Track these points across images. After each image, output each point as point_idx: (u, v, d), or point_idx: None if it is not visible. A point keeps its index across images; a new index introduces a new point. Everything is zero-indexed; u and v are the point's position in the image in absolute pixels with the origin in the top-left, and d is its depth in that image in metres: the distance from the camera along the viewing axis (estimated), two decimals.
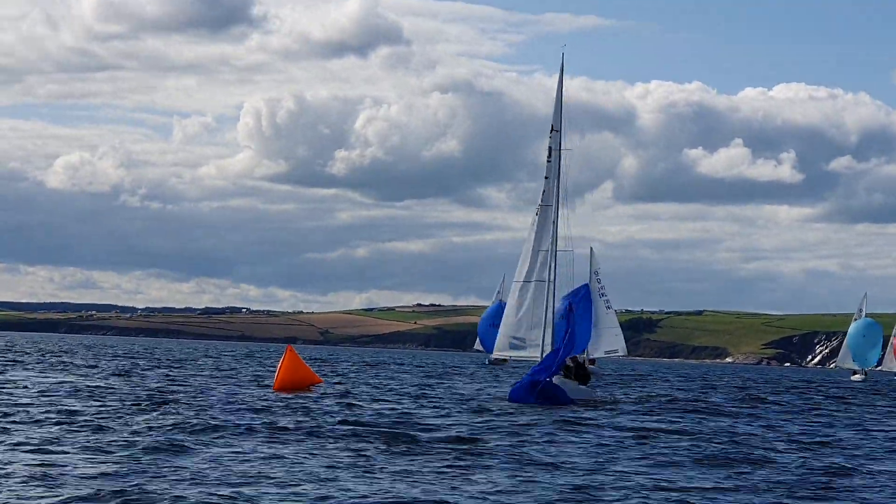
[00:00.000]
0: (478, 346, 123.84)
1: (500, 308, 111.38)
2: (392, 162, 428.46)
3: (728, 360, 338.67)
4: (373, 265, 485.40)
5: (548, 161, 49.14)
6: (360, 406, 39.02)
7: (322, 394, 43.76)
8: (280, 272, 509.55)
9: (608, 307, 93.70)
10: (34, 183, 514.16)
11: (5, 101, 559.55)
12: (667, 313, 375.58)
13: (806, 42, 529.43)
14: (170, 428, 27.79)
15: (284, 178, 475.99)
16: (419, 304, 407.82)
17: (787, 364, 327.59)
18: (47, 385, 44.80)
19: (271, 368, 63.46)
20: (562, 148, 48.92)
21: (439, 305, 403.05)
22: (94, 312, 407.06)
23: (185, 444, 24.63)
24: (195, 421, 29.54)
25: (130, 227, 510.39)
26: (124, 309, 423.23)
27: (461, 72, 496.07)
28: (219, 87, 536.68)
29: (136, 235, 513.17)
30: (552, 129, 48.77)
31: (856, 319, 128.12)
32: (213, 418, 30.44)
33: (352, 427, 30.42)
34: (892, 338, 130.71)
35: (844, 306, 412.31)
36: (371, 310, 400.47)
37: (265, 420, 30.97)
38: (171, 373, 59.24)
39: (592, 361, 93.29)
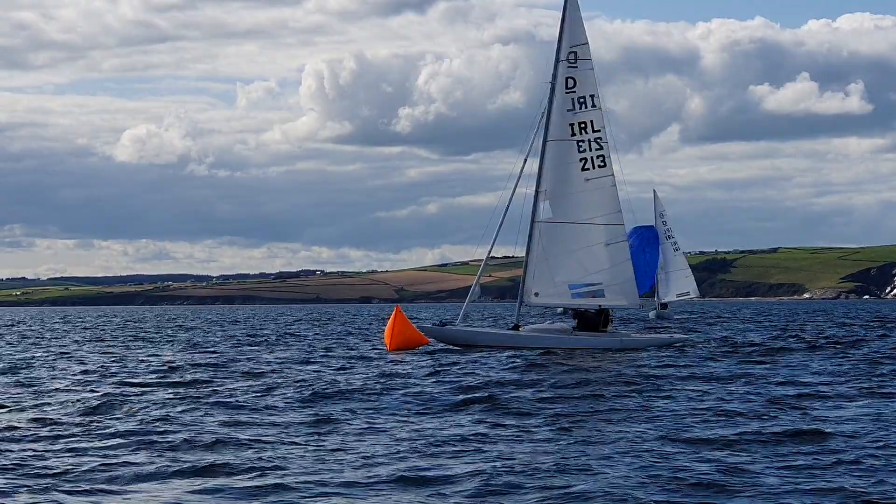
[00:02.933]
0: None
1: None
2: (456, 117, 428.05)
3: (806, 296, 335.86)
4: (443, 220, 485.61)
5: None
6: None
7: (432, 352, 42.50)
8: (351, 232, 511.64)
9: (676, 249, 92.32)
10: (102, 157, 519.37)
11: (70, 78, 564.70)
12: (741, 252, 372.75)
13: None
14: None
15: (349, 139, 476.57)
16: (492, 257, 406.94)
17: (866, 297, 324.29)
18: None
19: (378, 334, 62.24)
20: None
21: (512, 257, 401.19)
22: (169, 283, 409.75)
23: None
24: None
25: (199, 195, 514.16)
26: (199, 278, 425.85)
27: (521, 22, 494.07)
28: (280, 50, 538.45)
29: (205, 204, 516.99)
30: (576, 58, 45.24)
31: None
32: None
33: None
34: None
35: None
36: (444, 265, 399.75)
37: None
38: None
39: (665, 306, 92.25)
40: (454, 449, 18.64)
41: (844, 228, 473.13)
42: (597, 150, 45.01)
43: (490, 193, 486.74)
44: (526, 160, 45.78)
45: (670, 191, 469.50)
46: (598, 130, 45.11)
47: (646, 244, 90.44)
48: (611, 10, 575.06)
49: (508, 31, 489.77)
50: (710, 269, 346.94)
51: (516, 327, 45.17)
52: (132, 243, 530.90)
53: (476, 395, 26.29)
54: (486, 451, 18.33)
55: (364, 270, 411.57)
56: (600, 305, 44.66)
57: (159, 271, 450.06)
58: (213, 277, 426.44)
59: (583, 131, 45.13)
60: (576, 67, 45.47)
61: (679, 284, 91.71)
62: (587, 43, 45.60)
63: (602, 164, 45.01)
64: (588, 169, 44.94)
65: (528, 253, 45.48)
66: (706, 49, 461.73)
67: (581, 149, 45.09)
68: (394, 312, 45.13)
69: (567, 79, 45.42)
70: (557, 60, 45.66)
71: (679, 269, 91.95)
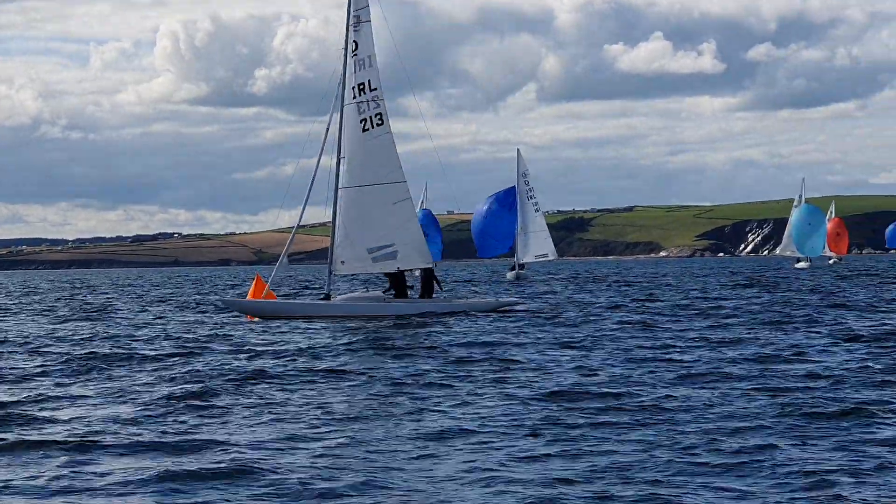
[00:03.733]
0: None
1: (426, 216, 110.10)
2: (313, 78, 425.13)
3: (662, 254, 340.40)
4: (300, 182, 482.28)
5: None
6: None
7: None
8: (208, 195, 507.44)
9: (536, 210, 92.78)
10: None
11: None
12: (598, 211, 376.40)
13: None
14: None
15: (205, 100, 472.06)
16: None
17: (721, 254, 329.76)
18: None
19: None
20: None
21: None
22: (23, 247, 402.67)
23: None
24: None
25: (53, 158, 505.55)
26: (54, 242, 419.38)
27: None
28: (133, 11, 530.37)
29: (59, 166, 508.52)
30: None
31: (796, 206, 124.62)
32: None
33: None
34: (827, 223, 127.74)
35: (771, 194, 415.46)
36: (303, 227, 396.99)
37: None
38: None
39: (522, 266, 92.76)
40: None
41: (698, 187, 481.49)
42: (374, 108, 45.03)
43: None
44: (328, 128, 45.71)
45: (527, 150, 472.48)
46: (375, 89, 45.20)
47: (505, 208, 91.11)
48: None
49: None
50: (567, 228, 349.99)
51: (327, 297, 44.81)
52: None
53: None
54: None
55: (222, 233, 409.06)
56: (398, 268, 44.30)
57: (12, 235, 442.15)
58: (69, 241, 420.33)
59: (362, 92, 45.25)
60: (358, 31, 45.84)
61: (538, 246, 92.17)
62: (367, 6, 45.77)
63: (380, 122, 45.08)
64: (368, 129, 45.05)
65: (333, 220, 45.20)
66: (560, 9, 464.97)
67: (361, 109, 45.34)
68: (254, 280, 44.72)
69: (353, 42, 45.78)
70: (347, 27, 46.02)
71: (538, 230, 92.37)
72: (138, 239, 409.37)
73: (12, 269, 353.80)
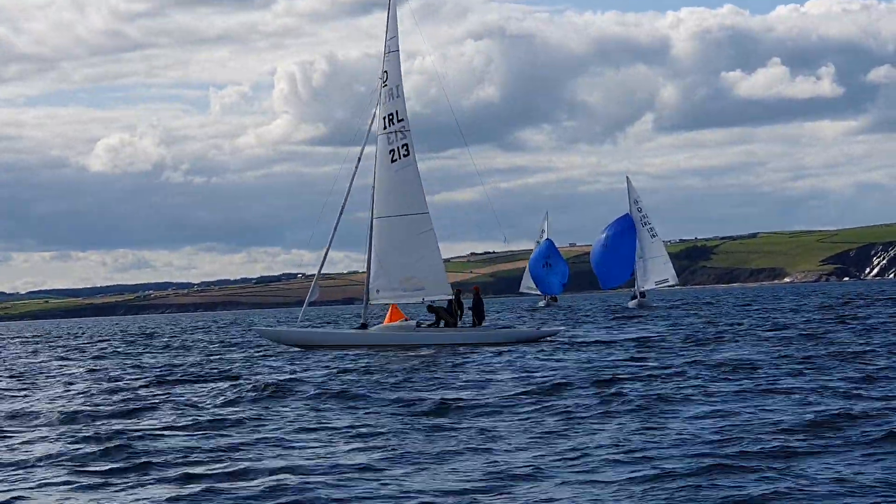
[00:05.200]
0: (527, 288, 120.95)
1: (549, 247, 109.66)
2: (431, 114, 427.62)
3: (787, 280, 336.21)
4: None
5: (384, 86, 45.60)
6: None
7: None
8: (330, 234, 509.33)
9: (653, 235, 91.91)
10: (77, 168, 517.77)
11: (42, 90, 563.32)
12: (721, 239, 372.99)
13: None
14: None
15: (325, 140, 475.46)
16: (473, 253, 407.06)
17: (846, 278, 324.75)
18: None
19: None
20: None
21: (493, 252, 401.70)
22: (151, 292, 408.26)
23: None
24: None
25: (176, 203, 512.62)
26: (180, 285, 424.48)
27: (493, 17, 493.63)
28: (251, 55, 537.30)
29: (182, 211, 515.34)
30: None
31: None
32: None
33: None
34: None
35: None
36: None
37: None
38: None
39: (644, 294, 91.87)
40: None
41: (822, 211, 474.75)
42: (401, 139, 45.15)
43: (468, 189, 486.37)
44: (359, 158, 45.84)
45: (647, 180, 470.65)
46: (402, 120, 45.34)
47: (620, 234, 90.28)
48: (580, 3, 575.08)
49: (481, 25, 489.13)
50: (690, 257, 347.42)
51: (363, 326, 44.83)
52: (110, 253, 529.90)
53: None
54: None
55: (345, 272, 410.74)
56: (423, 299, 44.38)
57: (139, 280, 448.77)
58: (195, 284, 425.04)
59: (391, 123, 45.44)
60: (388, 61, 45.76)
61: (657, 271, 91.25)
62: (396, 36, 45.69)
63: (406, 153, 45.20)
64: (396, 160, 45.13)
65: (368, 249, 45.32)
66: (677, 38, 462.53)
67: (390, 140, 45.42)
68: (390, 309, 45.00)
69: (384, 71, 45.76)
70: (383, 56, 46.08)
71: (656, 255, 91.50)
72: (262, 280, 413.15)
73: (142, 313, 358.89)
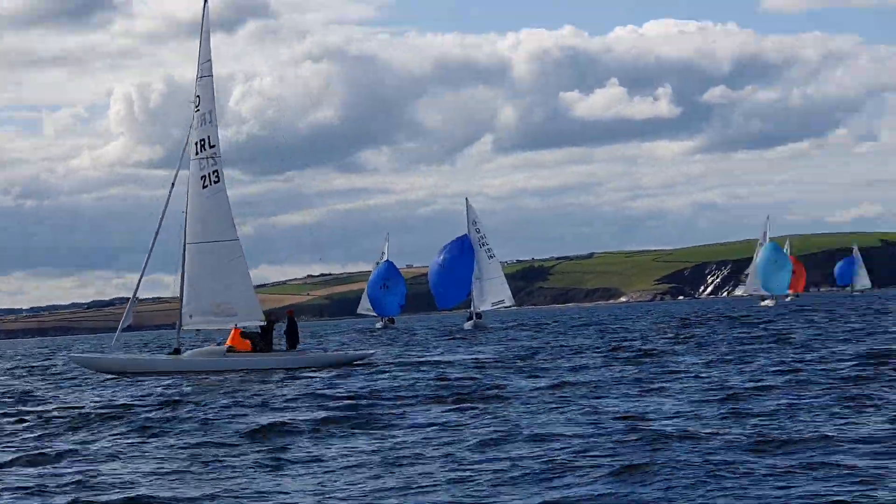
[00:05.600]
0: (363, 309, 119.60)
1: (388, 269, 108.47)
2: (269, 135, 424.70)
3: (622, 299, 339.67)
4: (260, 241, 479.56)
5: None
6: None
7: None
8: (164, 259, 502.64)
9: (490, 256, 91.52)
10: None
11: None
12: (558, 259, 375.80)
13: None
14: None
15: (161, 163, 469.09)
16: (309, 276, 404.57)
17: (681, 297, 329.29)
18: None
19: None
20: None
21: (329, 274, 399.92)
22: None
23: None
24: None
25: (4, 226, 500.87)
26: (8, 311, 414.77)
27: (333, 39, 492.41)
28: (88, 76, 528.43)
29: (12, 235, 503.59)
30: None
31: (761, 244, 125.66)
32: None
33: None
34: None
35: (731, 235, 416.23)
36: (263, 286, 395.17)
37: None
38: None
39: (480, 315, 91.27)
40: None
41: (658, 231, 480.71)
42: (212, 165, 45.02)
43: (304, 211, 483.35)
44: (173, 184, 45.25)
45: (486, 201, 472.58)
46: (213, 146, 45.28)
47: (458, 255, 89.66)
48: (421, 25, 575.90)
49: (320, 47, 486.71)
50: (527, 278, 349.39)
51: (176, 351, 44.14)
52: None
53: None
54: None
55: (178, 296, 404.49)
56: (235, 325, 43.94)
57: None
58: (24, 310, 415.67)
59: (203, 149, 45.22)
60: (201, 86, 45.10)
61: (494, 292, 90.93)
62: (210, 61, 45.10)
63: (216, 179, 45.15)
64: (207, 186, 45.08)
65: (182, 275, 44.70)
66: (516, 59, 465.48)
67: (202, 166, 45.24)
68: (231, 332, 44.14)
69: (197, 97, 45.22)
70: (196, 80, 45.64)
71: (494, 276, 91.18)
72: (94, 304, 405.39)
73: None
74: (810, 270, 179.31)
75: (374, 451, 19.48)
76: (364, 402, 27.86)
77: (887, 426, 19.62)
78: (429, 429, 21.95)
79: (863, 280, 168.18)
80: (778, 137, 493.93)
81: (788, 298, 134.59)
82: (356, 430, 22.22)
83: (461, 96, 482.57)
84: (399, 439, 20.74)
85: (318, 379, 36.61)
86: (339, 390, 31.44)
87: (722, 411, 22.61)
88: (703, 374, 31.46)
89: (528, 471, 16.82)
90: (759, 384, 27.69)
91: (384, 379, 35.24)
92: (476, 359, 44.47)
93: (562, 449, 18.58)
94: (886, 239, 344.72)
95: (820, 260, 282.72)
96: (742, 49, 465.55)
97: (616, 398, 26.11)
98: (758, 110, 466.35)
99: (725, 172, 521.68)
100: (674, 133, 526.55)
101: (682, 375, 31.48)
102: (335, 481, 16.88)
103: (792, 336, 49.68)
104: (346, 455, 19.16)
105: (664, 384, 29.04)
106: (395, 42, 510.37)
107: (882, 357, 33.80)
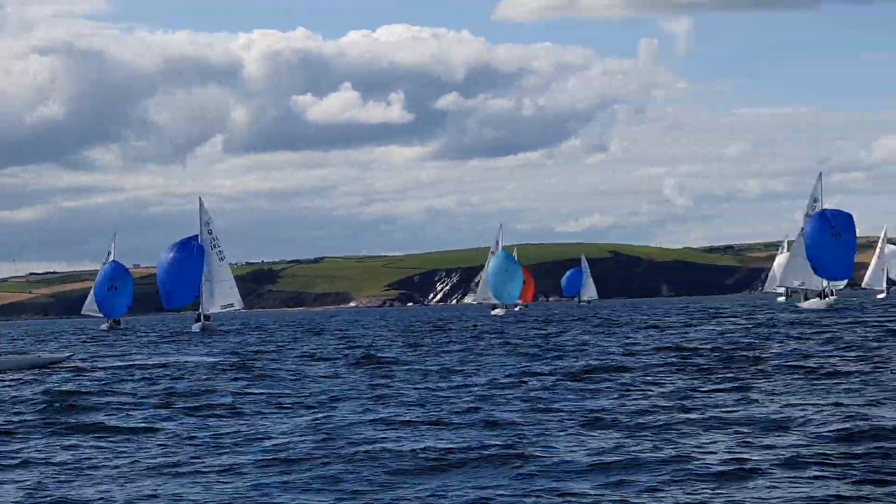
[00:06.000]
0: (89, 310, 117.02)
1: (115, 269, 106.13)
2: None
3: (352, 304, 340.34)
4: None
5: None
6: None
7: None
8: None
9: (221, 259, 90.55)
10: None
11: None
12: (288, 263, 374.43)
13: None
14: None
15: None
16: (33, 273, 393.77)
17: (410, 304, 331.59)
18: None
19: None
20: None
21: (54, 272, 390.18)
22: None
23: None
24: None
25: None
26: None
27: (59, 33, 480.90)
28: None
29: None
30: None
31: (493, 253, 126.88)
32: None
33: None
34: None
35: (462, 243, 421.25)
36: None
37: None
38: None
39: (208, 317, 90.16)
40: None
41: (390, 237, 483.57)
42: None
43: (28, 208, 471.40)
44: None
45: (218, 202, 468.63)
46: None
47: (187, 256, 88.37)
48: (153, 21, 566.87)
49: (46, 41, 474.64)
50: (257, 280, 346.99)
51: None
52: None
53: None
54: None
55: None
56: None
57: None
58: None
59: None
60: None
61: (224, 295, 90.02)
62: None
63: None
64: None
65: None
66: (249, 60, 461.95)
67: None
68: None
69: None
70: None
71: (224, 279, 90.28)
72: None
73: None
74: (540, 280, 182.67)
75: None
76: (57, 405, 27.03)
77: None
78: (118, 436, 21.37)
79: (590, 291, 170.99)
80: (510, 146, 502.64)
81: (517, 308, 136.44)
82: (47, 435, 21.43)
83: (192, 95, 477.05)
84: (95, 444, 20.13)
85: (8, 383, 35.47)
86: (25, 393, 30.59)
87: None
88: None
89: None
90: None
91: (86, 381, 34.47)
92: (206, 361, 43.78)
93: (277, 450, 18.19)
94: (616, 250, 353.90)
95: (550, 270, 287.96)
96: (476, 57, 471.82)
97: (349, 410, 25.81)
98: (490, 119, 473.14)
99: (458, 180, 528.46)
100: (407, 139, 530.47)
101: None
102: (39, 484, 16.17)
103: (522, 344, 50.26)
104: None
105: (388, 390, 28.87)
106: (125, 38, 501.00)
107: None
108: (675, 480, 15.57)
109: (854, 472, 15.50)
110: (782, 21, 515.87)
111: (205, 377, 36.09)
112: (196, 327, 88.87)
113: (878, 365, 29.21)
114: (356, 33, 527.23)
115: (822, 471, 15.74)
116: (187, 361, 44.72)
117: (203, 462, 18.16)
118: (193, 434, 21.58)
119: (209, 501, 15.27)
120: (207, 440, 20.64)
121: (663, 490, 15.02)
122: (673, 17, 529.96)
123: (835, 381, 26.77)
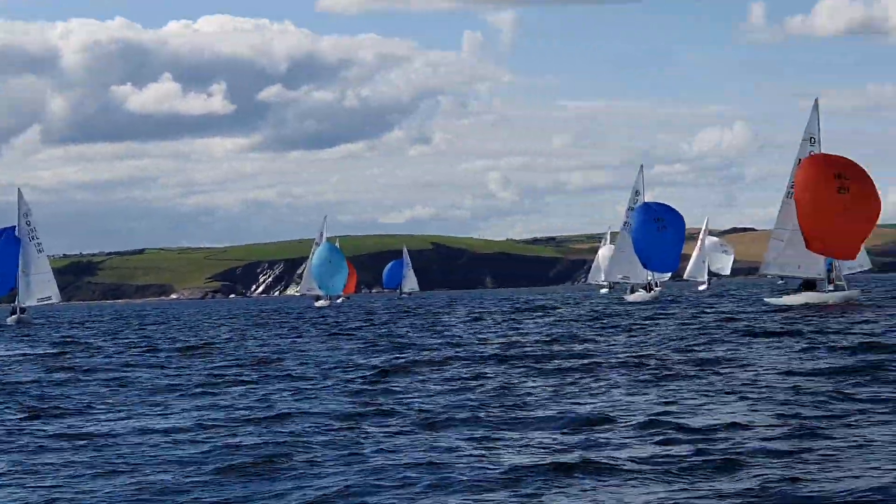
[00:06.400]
0: None
1: None
2: None
3: (174, 296, 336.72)
4: None
5: None
6: None
7: None
8: None
9: (40, 251, 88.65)
10: None
11: None
12: (108, 254, 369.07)
13: None
14: None
15: None
16: None
17: (233, 295, 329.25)
18: None
19: None
20: None
21: None
22: None
23: None
24: None
25: None
26: None
27: None
28: None
29: None
30: None
31: (317, 245, 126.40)
32: None
33: None
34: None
35: (284, 235, 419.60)
36: None
37: None
38: None
39: (24, 310, 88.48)
40: None
41: (211, 228, 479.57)
42: None
43: None
44: None
45: (35, 193, 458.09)
46: None
47: (3, 246, 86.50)
48: None
49: None
50: (75, 272, 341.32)
51: None
52: None
53: None
54: None
55: None
56: None
57: None
58: None
59: None
60: None
61: (41, 288, 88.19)
62: None
63: None
64: None
65: None
66: (66, 49, 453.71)
67: None
68: None
69: None
70: None
71: (42, 271, 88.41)
72: None
73: None
74: (362, 272, 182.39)
75: None
76: None
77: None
78: None
79: (411, 282, 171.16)
80: (333, 138, 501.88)
81: (340, 300, 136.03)
82: None
83: (7, 85, 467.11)
84: None
85: None
86: None
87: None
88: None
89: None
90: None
91: None
92: (24, 354, 42.66)
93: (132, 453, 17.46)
94: (437, 241, 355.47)
95: (370, 262, 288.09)
96: (298, 48, 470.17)
97: (179, 403, 25.03)
98: (313, 111, 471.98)
99: (280, 171, 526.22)
100: (228, 130, 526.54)
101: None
102: None
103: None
104: None
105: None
106: None
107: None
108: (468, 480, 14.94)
109: (672, 475, 15.15)
110: (606, 15, 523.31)
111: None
112: (11, 320, 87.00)
113: (704, 364, 29.22)
114: (176, 23, 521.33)
115: (640, 471, 15.38)
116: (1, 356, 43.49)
117: None
118: None
119: None
120: None
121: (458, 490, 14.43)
122: (498, 10, 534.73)
123: (662, 378, 26.67)
